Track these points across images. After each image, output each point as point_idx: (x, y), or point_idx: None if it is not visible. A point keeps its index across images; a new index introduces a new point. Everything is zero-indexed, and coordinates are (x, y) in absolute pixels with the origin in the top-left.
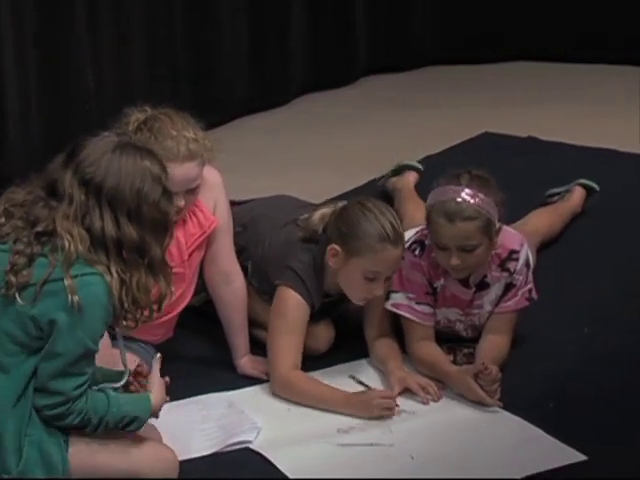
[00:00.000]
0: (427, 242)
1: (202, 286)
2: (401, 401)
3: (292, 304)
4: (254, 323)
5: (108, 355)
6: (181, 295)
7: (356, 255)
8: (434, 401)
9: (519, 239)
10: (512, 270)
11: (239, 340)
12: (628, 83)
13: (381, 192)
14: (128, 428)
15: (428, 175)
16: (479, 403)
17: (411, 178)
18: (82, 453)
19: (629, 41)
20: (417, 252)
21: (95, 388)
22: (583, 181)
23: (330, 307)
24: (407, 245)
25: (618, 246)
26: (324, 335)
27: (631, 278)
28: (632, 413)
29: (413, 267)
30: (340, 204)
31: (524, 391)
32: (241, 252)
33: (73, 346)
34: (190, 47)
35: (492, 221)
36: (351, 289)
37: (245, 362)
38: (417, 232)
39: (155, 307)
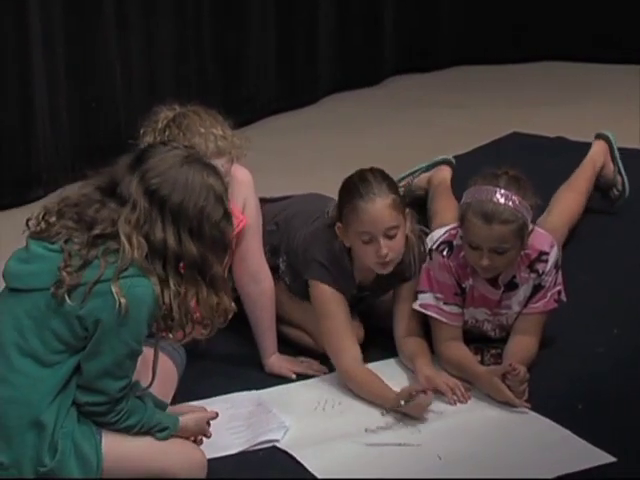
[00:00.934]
0: (455, 243)
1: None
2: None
3: (326, 297)
4: (284, 321)
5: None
6: None
7: (348, 224)
8: (461, 402)
9: (549, 241)
10: (541, 272)
11: (267, 339)
12: None
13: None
14: (159, 434)
15: (457, 175)
16: (507, 404)
17: (447, 173)
18: (114, 445)
19: None
20: (445, 253)
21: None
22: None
23: (359, 300)
24: (435, 246)
25: None
26: (354, 334)
27: None
28: None
29: (441, 268)
30: None
31: (553, 392)
32: (274, 250)
33: (118, 346)
34: (218, 47)
35: (527, 224)
36: (362, 258)
37: (273, 361)
38: (445, 232)
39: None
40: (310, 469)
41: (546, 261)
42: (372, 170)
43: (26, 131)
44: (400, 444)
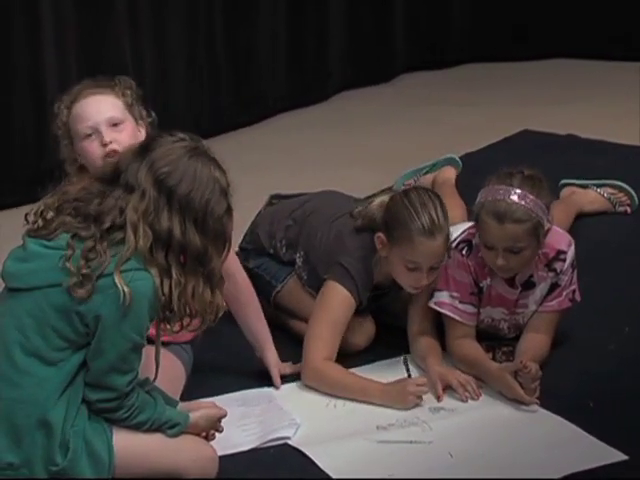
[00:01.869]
0: (474, 241)
1: None
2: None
3: (339, 299)
4: (297, 315)
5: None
6: None
7: (397, 245)
8: (473, 399)
9: (567, 240)
10: (559, 270)
11: (258, 332)
12: None
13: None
14: (169, 431)
15: (467, 173)
16: (518, 401)
17: (451, 174)
18: (125, 442)
19: None
20: (464, 251)
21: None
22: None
23: (372, 300)
24: (454, 244)
25: None
26: (365, 331)
27: None
28: None
29: (459, 266)
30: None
31: (564, 390)
32: (291, 245)
33: (120, 341)
34: (229, 45)
35: (542, 224)
36: (398, 277)
37: (271, 359)
38: (465, 231)
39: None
40: (322, 466)
41: (564, 260)
42: (431, 197)
43: (38, 128)
44: (411, 442)
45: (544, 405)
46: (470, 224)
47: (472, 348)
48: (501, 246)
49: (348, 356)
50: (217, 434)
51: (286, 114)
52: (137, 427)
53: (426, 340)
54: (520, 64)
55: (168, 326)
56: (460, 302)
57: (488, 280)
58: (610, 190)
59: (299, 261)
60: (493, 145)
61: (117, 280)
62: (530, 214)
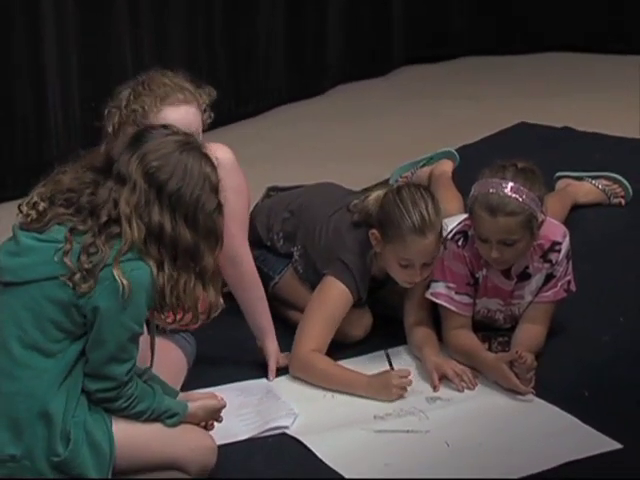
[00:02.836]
0: (470, 233)
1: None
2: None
3: (336, 295)
4: (293, 306)
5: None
6: None
7: (389, 242)
8: (469, 389)
9: (562, 231)
10: (554, 261)
11: (259, 319)
12: None
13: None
14: (168, 420)
15: (464, 165)
16: (513, 391)
17: (448, 167)
18: (125, 432)
19: None
20: (460, 242)
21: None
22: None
23: (369, 292)
24: (450, 235)
25: None
26: (362, 322)
27: None
28: None
29: (455, 257)
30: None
31: (559, 379)
32: (288, 238)
33: (119, 331)
34: (228, 38)
35: (535, 216)
36: (392, 273)
37: (270, 349)
38: (461, 222)
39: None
40: (319, 455)
41: (559, 251)
42: (423, 195)
43: (38, 120)
44: (408, 431)
45: (539, 395)
46: (466, 215)
47: (468, 338)
48: (495, 239)
49: (345, 346)
50: (216, 424)
51: (284, 107)
52: (136, 417)
53: (422, 331)
54: (516, 57)
55: (162, 316)
56: (456, 293)
57: (484, 271)
58: (605, 182)
59: (296, 254)
60: (490, 138)
61: (116, 273)
62: (523, 206)
